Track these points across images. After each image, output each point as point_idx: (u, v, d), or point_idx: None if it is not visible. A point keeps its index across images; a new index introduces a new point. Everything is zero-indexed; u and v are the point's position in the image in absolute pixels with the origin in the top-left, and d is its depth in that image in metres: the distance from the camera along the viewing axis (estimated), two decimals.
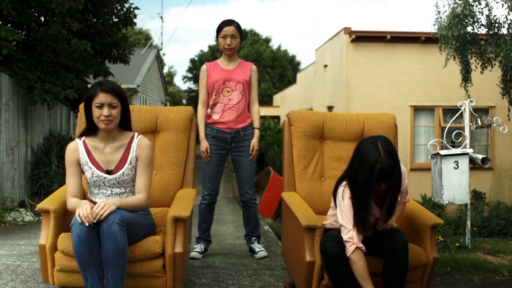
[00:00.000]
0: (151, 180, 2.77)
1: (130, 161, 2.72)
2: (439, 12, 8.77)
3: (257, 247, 3.99)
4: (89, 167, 2.68)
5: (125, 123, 2.76)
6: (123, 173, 2.70)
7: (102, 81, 2.68)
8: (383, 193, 2.57)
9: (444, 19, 8.57)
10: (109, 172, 2.68)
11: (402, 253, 2.55)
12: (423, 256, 2.75)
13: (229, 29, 3.79)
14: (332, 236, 2.60)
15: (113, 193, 2.71)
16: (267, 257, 3.92)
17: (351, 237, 2.53)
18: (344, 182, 2.64)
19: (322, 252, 2.59)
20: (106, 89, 2.60)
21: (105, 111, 2.59)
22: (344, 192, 2.61)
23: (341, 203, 2.61)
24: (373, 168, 2.43)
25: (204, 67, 3.92)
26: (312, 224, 2.66)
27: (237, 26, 3.83)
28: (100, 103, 2.59)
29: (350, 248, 2.51)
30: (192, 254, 3.80)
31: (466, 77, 8.86)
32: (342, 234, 2.58)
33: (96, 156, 2.70)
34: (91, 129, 2.72)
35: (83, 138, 2.74)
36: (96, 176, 2.68)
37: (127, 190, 2.74)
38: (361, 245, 2.53)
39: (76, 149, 2.70)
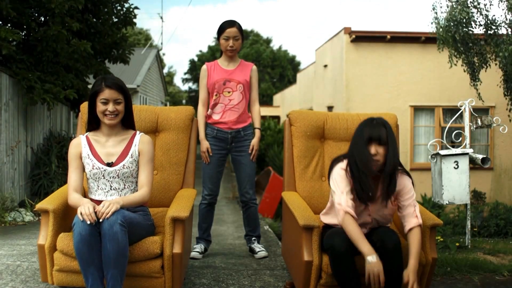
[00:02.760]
0: (153, 175, 2.81)
1: (132, 155, 2.75)
2: (436, 13, 8.77)
3: (257, 247, 3.99)
4: (90, 159, 2.70)
5: (127, 121, 2.80)
6: (124, 165, 2.71)
7: (106, 76, 2.73)
8: (383, 167, 2.58)
9: (441, 20, 8.57)
10: (109, 165, 2.70)
11: (394, 252, 2.52)
12: (421, 257, 2.73)
13: (231, 31, 3.78)
14: (339, 233, 2.58)
15: (112, 188, 2.72)
16: (267, 257, 3.92)
17: (339, 202, 2.58)
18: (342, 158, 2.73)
19: (329, 249, 2.55)
20: (111, 85, 2.67)
21: (110, 107, 2.67)
22: (338, 164, 2.70)
23: (334, 172, 2.70)
24: (363, 129, 2.62)
25: (204, 67, 3.91)
26: (310, 224, 2.66)
27: (239, 27, 3.82)
28: (106, 99, 2.66)
29: (340, 214, 2.57)
30: (192, 254, 3.80)
31: (474, 76, 8.84)
32: (333, 199, 2.65)
33: (98, 149, 2.74)
34: (93, 124, 2.78)
35: (86, 133, 2.80)
36: (96, 168, 2.69)
37: (126, 187, 2.74)
38: (349, 209, 2.55)
39: (79, 143, 2.75)
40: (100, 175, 2.70)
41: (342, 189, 2.62)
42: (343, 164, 2.68)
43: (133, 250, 2.57)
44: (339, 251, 2.50)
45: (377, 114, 3.49)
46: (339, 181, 2.64)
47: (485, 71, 8.82)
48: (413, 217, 2.64)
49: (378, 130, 2.58)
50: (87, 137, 2.78)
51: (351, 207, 2.57)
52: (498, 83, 8.78)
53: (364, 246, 2.45)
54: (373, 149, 2.57)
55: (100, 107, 2.67)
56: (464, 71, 8.92)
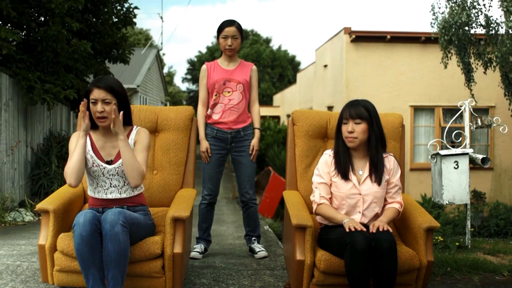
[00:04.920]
0: (148, 160, 2.79)
1: None
2: (434, 14, 8.78)
3: (257, 247, 3.99)
4: (90, 156, 2.71)
5: (125, 119, 2.78)
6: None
7: (100, 77, 2.72)
8: (367, 145, 2.81)
9: (439, 21, 8.57)
10: (109, 163, 2.70)
11: (389, 253, 2.49)
12: (415, 260, 2.68)
13: (230, 30, 3.79)
14: (361, 232, 2.57)
15: (111, 185, 2.72)
16: (267, 257, 3.92)
17: (313, 200, 2.86)
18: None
19: (348, 244, 2.51)
20: (100, 85, 2.64)
21: (99, 107, 2.64)
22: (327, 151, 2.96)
23: (319, 161, 2.92)
24: (344, 109, 2.82)
25: (204, 67, 3.91)
26: (302, 223, 2.65)
27: (238, 26, 3.82)
28: (94, 99, 2.65)
29: (314, 208, 2.85)
30: (192, 254, 3.80)
31: (468, 77, 8.85)
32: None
33: (98, 146, 2.74)
34: (93, 124, 2.76)
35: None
36: (96, 165, 2.70)
37: (126, 184, 2.74)
38: (320, 201, 2.82)
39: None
40: (100, 173, 2.71)
41: (316, 184, 2.88)
42: (329, 151, 2.93)
43: (134, 250, 2.57)
44: (360, 248, 2.47)
45: (383, 115, 3.49)
46: (316, 173, 2.89)
47: (485, 72, 8.82)
48: (398, 203, 2.87)
49: (355, 109, 2.78)
50: (88, 133, 2.78)
51: (324, 199, 2.83)
52: (498, 83, 8.78)
53: (339, 215, 2.73)
54: (350, 126, 2.77)
55: (92, 108, 2.66)
56: (462, 72, 8.92)
